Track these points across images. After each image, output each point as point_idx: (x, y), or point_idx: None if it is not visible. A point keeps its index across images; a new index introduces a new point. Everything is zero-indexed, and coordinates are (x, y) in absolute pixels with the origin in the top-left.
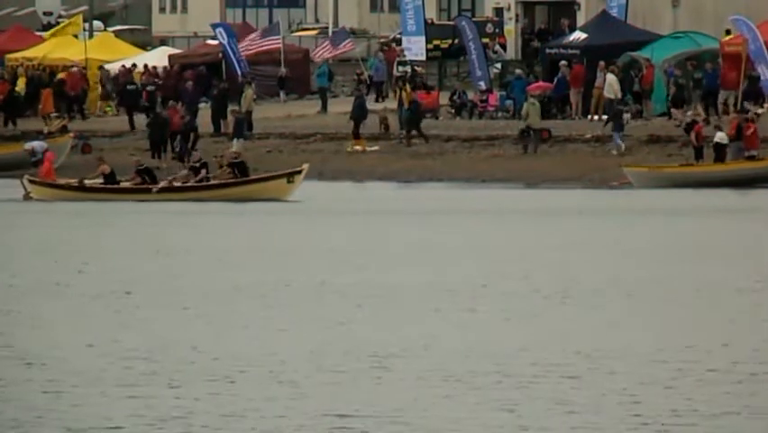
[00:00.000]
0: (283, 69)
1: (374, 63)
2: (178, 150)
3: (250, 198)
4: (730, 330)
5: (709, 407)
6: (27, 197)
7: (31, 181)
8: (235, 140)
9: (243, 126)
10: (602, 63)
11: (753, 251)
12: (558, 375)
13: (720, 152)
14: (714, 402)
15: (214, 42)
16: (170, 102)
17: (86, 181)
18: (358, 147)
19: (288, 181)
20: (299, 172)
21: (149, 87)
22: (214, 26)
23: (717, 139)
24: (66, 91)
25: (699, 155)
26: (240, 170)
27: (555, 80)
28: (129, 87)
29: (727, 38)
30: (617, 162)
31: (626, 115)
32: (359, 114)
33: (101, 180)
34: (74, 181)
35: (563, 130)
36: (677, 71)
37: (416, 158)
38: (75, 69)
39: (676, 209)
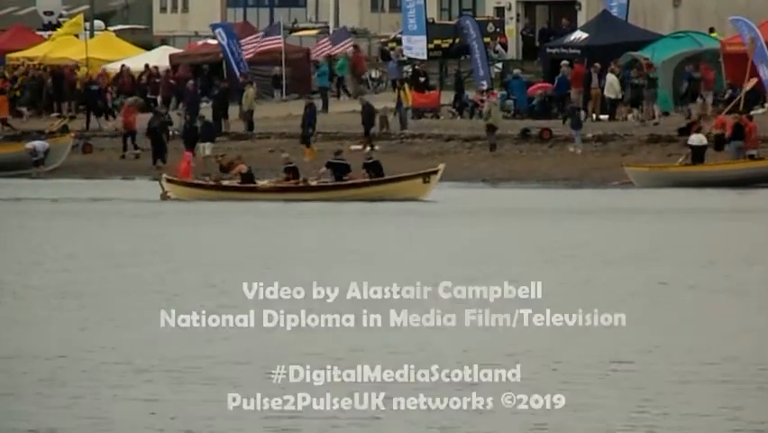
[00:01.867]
0: (277, 69)
1: (343, 63)
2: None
3: (385, 198)
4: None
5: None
6: (164, 196)
7: (168, 180)
8: (203, 144)
9: (213, 130)
10: (597, 65)
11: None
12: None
13: (698, 153)
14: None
15: (215, 42)
16: (129, 101)
17: (224, 181)
18: (308, 156)
19: (425, 181)
20: (435, 172)
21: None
22: (214, 27)
23: (690, 141)
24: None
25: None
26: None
27: (556, 80)
28: (92, 87)
29: (727, 37)
30: (617, 162)
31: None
32: (309, 121)
33: (238, 180)
34: (211, 181)
35: (564, 130)
36: (633, 72)
37: (416, 158)
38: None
39: (673, 209)
